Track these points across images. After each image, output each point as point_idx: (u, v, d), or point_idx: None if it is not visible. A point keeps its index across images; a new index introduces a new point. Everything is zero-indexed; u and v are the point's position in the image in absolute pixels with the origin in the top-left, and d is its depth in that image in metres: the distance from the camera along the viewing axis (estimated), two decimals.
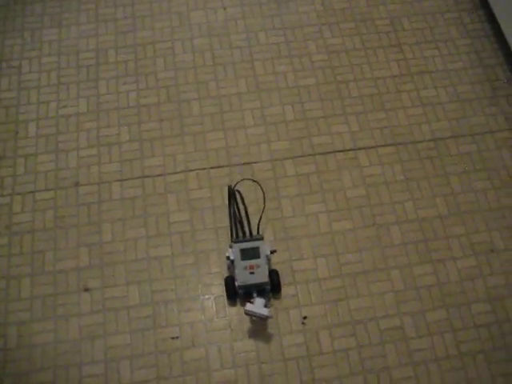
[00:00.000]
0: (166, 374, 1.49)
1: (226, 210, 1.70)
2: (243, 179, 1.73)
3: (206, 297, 1.59)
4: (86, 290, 1.60)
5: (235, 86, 1.94)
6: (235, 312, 1.57)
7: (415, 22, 2.11)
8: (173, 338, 1.54)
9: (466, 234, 1.70)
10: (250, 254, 1.53)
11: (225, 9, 2.10)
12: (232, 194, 1.59)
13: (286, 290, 1.59)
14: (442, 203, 1.75)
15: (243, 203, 1.68)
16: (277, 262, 1.63)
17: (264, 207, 1.67)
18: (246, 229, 1.65)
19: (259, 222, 1.63)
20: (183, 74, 1.95)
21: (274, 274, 1.55)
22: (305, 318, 1.57)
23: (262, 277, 1.51)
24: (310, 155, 1.81)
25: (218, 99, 1.91)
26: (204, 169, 1.78)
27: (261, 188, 1.67)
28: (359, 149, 1.83)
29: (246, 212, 1.67)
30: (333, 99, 1.92)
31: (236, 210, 1.65)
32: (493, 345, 1.55)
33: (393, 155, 1.82)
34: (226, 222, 1.69)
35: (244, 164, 1.78)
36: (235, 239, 1.59)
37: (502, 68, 2.02)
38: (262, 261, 1.52)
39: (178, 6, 2.10)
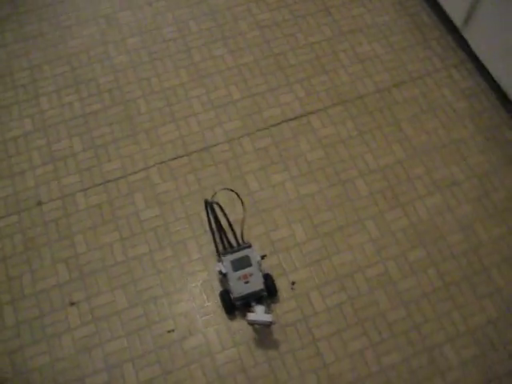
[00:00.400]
0: (170, 367, 1.49)
1: (195, 197, 1.71)
2: (221, 189, 1.71)
3: (193, 285, 1.60)
4: (72, 303, 1.58)
5: (177, 77, 1.94)
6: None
7: None
8: (169, 332, 1.54)
9: (427, 173, 1.76)
10: (241, 263, 1.48)
11: (150, 4, 2.09)
12: (210, 207, 1.49)
13: (269, 261, 1.62)
14: (399, 149, 1.80)
15: (224, 213, 1.55)
16: (254, 235, 1.65)
17: (244, 215, 1.66)
18: (232, 239, 1.60)
19: (242, 230, 1.58)
20: (123, 75, 1.94)
21: (268, 279, 1.53)
22: (293, 283, 1.60)
23: (257, 284, 1.47)
24: (264, 129, 1.83)
25: (163, 93, 1.91)
26: (163, 162, 1.78)
27: (238, 196, 1.59)
28: (310, 113, 1.87)
29: (229, 222, 1.56)
30: (274, 71, 1.95)
31: (217, 222, 1.53)
32: (473, 270, 1.62)
33: (343, 113, 1.87)
34: (196, 209, 1.70)
35: (202, 150, 1.79)
36: (223, 252, 1.53)
37: (427, 12, 2.09)
38: (254, 268, 1.48)
39: (103, 10, 2.08)
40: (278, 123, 1.84)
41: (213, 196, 1.54)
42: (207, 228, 1.65)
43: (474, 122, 1.85)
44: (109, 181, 1.74)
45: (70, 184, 1.74)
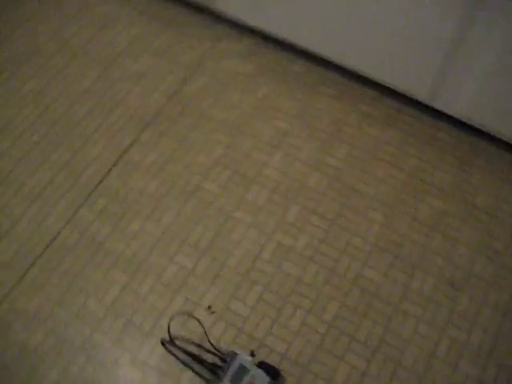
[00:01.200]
0: None
1: (71, 297, 1.58)
2: (171, 319, 1.51)
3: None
4: None
5: None
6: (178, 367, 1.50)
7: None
8: None
9: (256, 141, 1.80)
10: (239, 376, 1.40)
11: None
12: (171, 343, 1.44)
13: (177, 304, 1.56)
14: (221, 135, 1.82)
15: (188, 341, 1.50)
16: (146, 292, 1.58)
17: (204, 328, 1.51)
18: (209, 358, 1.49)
19: (212, 344, 1.49)
20: None
21: (264, 367, 1.44)
22: (209, 307, 1.55)
23: (262, 382, 1.40)
24: (93, 191, 1.73)
25: None
26: (18, 283, 1.62)
27: (195, 318, 1.53)
28: (125, 152, 1.81)
29: (199, 345, 1.50)
30: (67, 134, 1.85)
31: (188, 353, 1.47)
32: (345, 196, 1.70)
33: (154, 135, 1.83)
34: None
35: (47, 248, 1.65)
36: (216, 377, 1.43)
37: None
38: (252, 372, 1.41)
39: None
40: (103, 178, 1.76)
41: (168, 331, 1.47)
42: (102, 330, 1.54)
43: (264, 76, 1.92)
44: None
45: None
